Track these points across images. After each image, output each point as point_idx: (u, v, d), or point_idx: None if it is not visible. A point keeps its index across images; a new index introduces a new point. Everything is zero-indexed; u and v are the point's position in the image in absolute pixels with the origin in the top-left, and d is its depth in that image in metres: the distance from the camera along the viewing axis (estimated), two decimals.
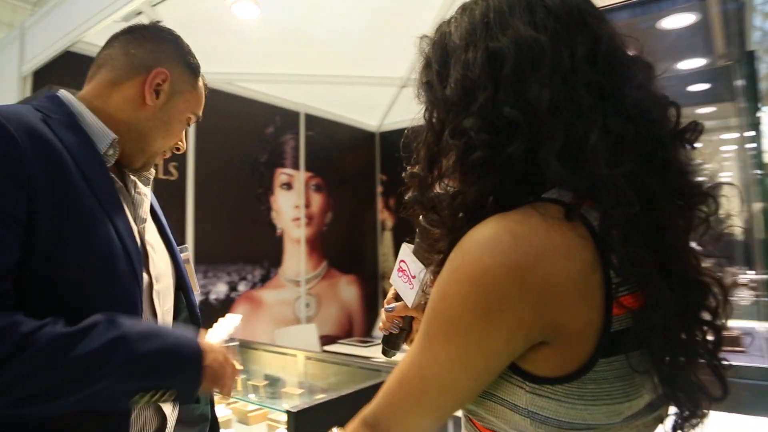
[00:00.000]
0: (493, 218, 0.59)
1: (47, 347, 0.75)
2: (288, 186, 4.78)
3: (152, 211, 1.16)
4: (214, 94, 3.79)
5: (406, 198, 0.72)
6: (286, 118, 4.79)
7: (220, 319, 2.73)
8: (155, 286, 1.03)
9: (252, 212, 4.44)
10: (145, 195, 1.11)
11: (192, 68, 1.11)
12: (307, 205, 4.96)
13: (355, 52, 4.10)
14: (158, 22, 1.12)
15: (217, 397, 2.08)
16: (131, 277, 0.91)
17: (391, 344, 1.01)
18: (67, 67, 3.03)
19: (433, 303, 0.61)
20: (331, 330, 5.21)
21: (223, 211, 4.15)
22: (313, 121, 5.05)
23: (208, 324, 3.49)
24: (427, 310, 0.62)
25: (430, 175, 0.68)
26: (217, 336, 2.50)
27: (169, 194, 3.69)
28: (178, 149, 1.16)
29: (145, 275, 0.99)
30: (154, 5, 3.12)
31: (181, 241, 3.85)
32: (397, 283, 0.97)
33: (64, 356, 0.76)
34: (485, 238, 0.58)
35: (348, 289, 5.47)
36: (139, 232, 1.03)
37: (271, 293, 4.55)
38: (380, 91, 4.95)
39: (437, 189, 0.69)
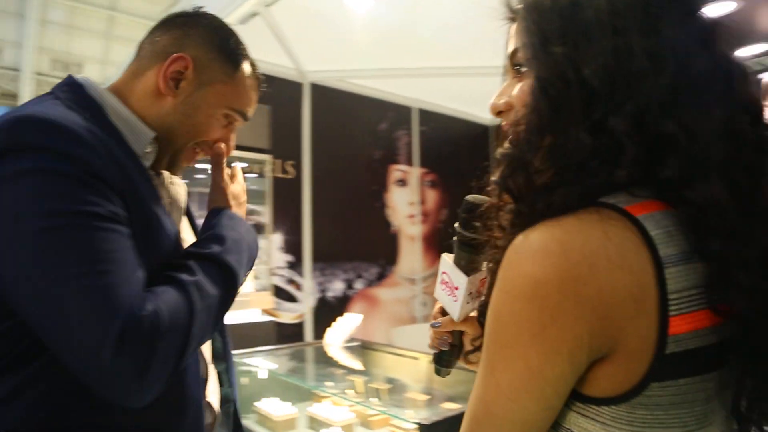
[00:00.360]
0: (542, 225, 0.54)
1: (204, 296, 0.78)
2: (402, 182, 4.69)
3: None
4: (326, 92, 3.80)
5: (492, 179, 0.66)
6: (399, 114, 4.71)
7: (340, 318, 2.70)
8: None
9: (367, 209, 4.40)
10: (179, 190, 1.00)
11: (230, 56, 0.95)
12: (422, 202, 4.85)
13: (465, 43, 3.92)
14: (200, 8, 0.98)
15: (339, 400, 2.05)
16: None
17: (442, 362, 0.93)
18: None
19: (489, 325, 0.57)
20: None
21: (338, 209, 4.15)
22: (426, 116, 4.92)
23: (326, 322, 3.49)
24: (485, 334, 0.57)
25: (528, 161, 0.59)
26: (337, 335, 2.45)
27: (286, 193, 3.73)
28: (218, 153, 0.99)
29: None
30: (269, 5, 3.15)
31: (299, 239, 3.90)
32: (440, 296, 0.89)
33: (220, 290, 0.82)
34: (535, 248, 0.53)
35: None
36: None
37: (387, 291, 4.49)
38: (492, 82, 4.71)
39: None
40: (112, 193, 0.73)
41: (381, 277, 4.46)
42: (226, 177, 0.99)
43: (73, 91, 0.84)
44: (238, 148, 2.95)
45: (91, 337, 0.65)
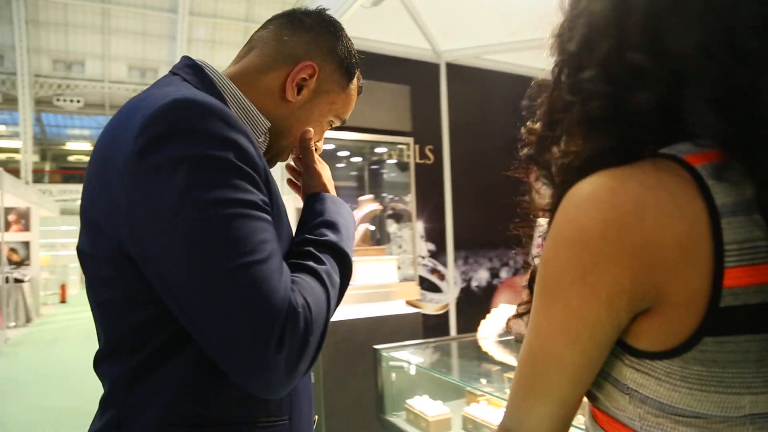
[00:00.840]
0: (596, 174, 0.55)
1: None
2: None
3: None
4: (461, 71, 3.61)
5: (521, 154, 0.71)
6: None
7: (494, 310, 2.51)
8: None
9: (511, 193, 4.14)
10: None
11: (347, 68, 0.96)
12: None
13: None
14: (324, 9, 0.97)
15: (497, 400, 1.88)
16: None
17: None
18: None
19: (537, 273, 0.58)
20: None
21: (481, 194, 3.93)
22: None
23: (470, 313, 3.32)
24: (535, 283, 0.59)
25: (551, 133, 0.65)
26: (492, 328, 2.25)
27: (426, 179, 3.59)
28: (307, 138, 0.99)
29: None
30: None
31: (440, 227, 3.75)
32: None
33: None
34: (584, 195, 0.54)
35: None
36: None
37: None
38: None
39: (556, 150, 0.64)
40: (259, 180, 0.71)
41: (529, 265, 4.17)
42: (318, 160, 0.98)
43: (195, 73, 0.84)
44: (380, 131, 2.85)
45: (254, 333, 0.62)
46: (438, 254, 3.73)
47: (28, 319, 9.63)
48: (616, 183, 0.52)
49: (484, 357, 2.16)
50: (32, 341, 8.30)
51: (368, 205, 2.78)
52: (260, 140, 0.90)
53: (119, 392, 0.72)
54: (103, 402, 0.75)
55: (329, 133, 1.13)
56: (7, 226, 9.69)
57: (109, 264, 0.71)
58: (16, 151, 22.29)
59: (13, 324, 9.19)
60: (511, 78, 4.17)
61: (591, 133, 0.58)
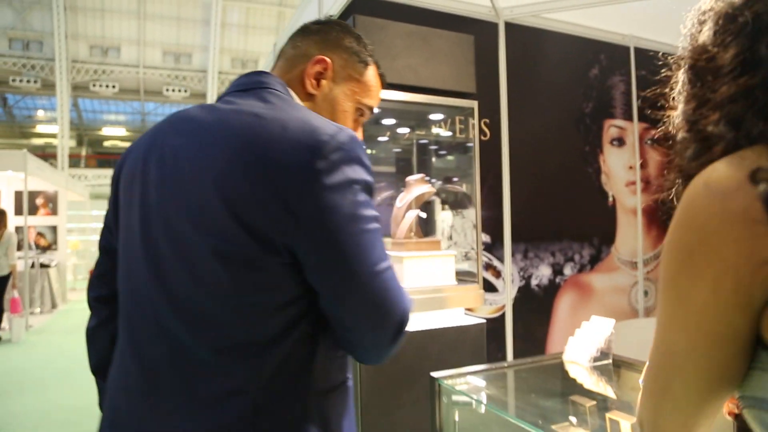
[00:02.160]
0: (719, 161, 0.52)
1: None
2: (620, 141, 3.75)
3: None
4: (525, 33, 2.99)
5: (670, 178, 0.64)
6: (614, 56, 3.75)
7: (585, 324, 1.97)
8: None
9: (578, 176, 3.55)
10: None
11: (359, 56, 1.05)
12: (643, 166, 3.86)
13: None
14: (331, 16, 1.12)
15: None
16: None
17: None
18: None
19: (661, 262, 0.56)
20: None
21: (542, 177, 3.36)
22: (644, 57, 3.89)
23: (529, 316, 2.76)
24: None
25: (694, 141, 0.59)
26: (583, 350, 1.70)
27: (482, 158, 3.04)
28: None
29: None
30: None
31: (498, 215, 3.19)
32: None
33: None
34: (701, 180, 0.52)
35: None
36: None
37: (602, 278, 3.62)
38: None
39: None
40: None
41: (595, 261, 3.59)
42: None
43: (286, 91, 0.95)
44: (439, 92, 2.29)
45: (386, 330, 0.81)
46: (493, 247, 3.18)
47: (53, 305, 9.39)
48: (734, 169, 0.50)
49: (575, 387, 1.62)
50: (55, 329, 8.06)
51: (418, 186, 2.24)
52: None
53: (252, 381, 0.78)
54: (221, 393, 0.77)
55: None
56: (35, 209, 9.49)
57: (264, 264, 0.77)
58: (53, 136, 22.44)
59: (38, 310, 8.99)
60: (579, 42, 3.57)
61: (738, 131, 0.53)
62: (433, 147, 2.86)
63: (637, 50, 3.84)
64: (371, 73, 1.06)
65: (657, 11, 3.54)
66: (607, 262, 3.64)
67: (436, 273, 2.16)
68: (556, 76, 3.48)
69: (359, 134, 1.06)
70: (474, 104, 2.41)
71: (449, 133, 2.74)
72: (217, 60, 23.51)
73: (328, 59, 1.00)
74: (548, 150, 3.41)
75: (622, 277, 3.72)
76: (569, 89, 3.55)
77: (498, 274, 3.17)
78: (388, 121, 2.69)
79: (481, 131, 3.03)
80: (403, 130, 2.81)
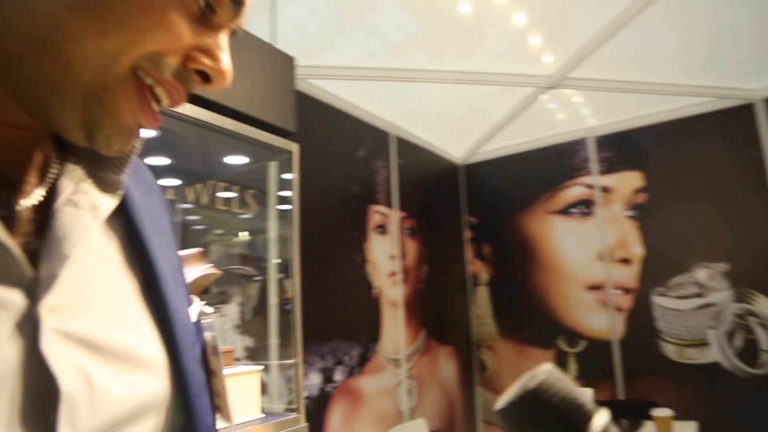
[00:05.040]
0: None
1: None
2: (382, 229, 3.53)
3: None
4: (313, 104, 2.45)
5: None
6: (378, 139, 3.60)
7: None
8: None
9: (347, 265, 3.16)
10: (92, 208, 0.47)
11: None
12: (403, 256, 3.70)
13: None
14: None
15: None
16: None
17: None
18: None
19: None
20: (437, 423, 3.85)
21: (313, 264, 2.88)
22: (403, 146, 3.86)
23: None
24: None
25: None
26: None
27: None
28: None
29: None
30: None
31: (264, 308, 2.57)
32: None
33: None
34: None
35: (447, 366, 4.14)
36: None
37: (370, 381, 3.22)
38: (473, 111, 3.80)
39: None
40: None
41: (364, 361, 3.19)
42: None
43: None
44: (247, 119, 1.58)
45: None
46: (257, 353, 2.51)
47: None
48: None
49: None
50: None
51: (195, 266, 1.48)
52: None
53: None
54: None
55: None
56: None
57: None
58: None
59: None
60: (349, 120, 3.31)
61: None
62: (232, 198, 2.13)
63: (399, 139, 3.78)
64: None
65: (414, 104, 3.53)
66: (374, 362, 3.27)
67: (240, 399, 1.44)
68: (326, 152, 3.13)
69: (221, 53, 0.46)
70: (294, 147, 1.81)
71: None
72: None
73: None
74: (316, 233, 2.97)
75: (387, 377, 3.38)
76: (338, 169, 3.22)
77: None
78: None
79: (245, 205, 2.43)
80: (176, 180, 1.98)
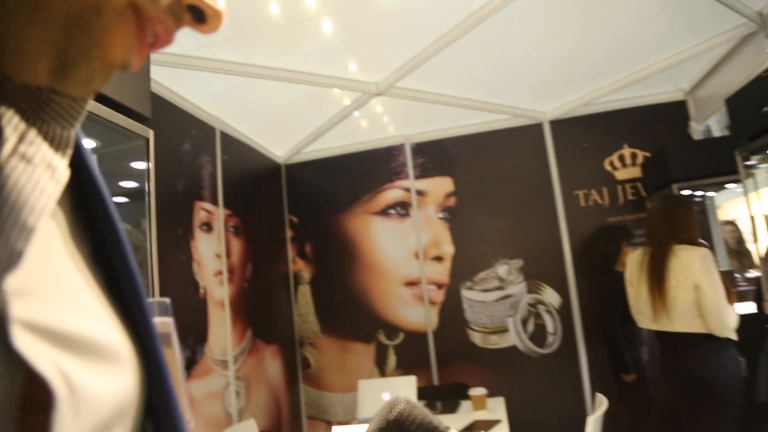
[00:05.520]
0: None
1: None
2: (208, 227, 3.40)
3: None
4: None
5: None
6: (204, 133, 3.46)
7: None
8: None
9: (172, 264, 2.98)
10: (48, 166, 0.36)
11: None
12: (228, 254, 3.61)
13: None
14: None
15: None
16: None
17: None
18: None
19: None
20: (265, 423, 3.82)
21: (138, 257, 2.67)
22: (228, 142, 3.76)
23: None
24: None
25: None
26: None
27: None
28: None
29: None
30: None
31: None
32: None
33: None
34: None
35: (273, 364, 4.14)
36: None
37: (199, 384, 3.08)
38: (297, 111, 3.89)
39: None
40: None
41: (191, 365, 3.04)
42: None
43: None
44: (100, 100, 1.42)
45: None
46: None
47: None
48: None
49: None
50: None
51: None
52: None
53: None
54: None
55: None
56: None
57: None
58: None
59: None
60: (174, 110, 3.14)
61: None
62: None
63: (223, 134, 3.67)
64: None
65: (240, 100, 3.47)
66: (202, 365, 3.13)
67: None
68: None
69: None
70: (149, 134, 1.65)
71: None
72: None
73: None
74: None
75: (215, 380, 3.26)
76: (163, 161, 3.03)
77: None
78: None
79: None
80: None
